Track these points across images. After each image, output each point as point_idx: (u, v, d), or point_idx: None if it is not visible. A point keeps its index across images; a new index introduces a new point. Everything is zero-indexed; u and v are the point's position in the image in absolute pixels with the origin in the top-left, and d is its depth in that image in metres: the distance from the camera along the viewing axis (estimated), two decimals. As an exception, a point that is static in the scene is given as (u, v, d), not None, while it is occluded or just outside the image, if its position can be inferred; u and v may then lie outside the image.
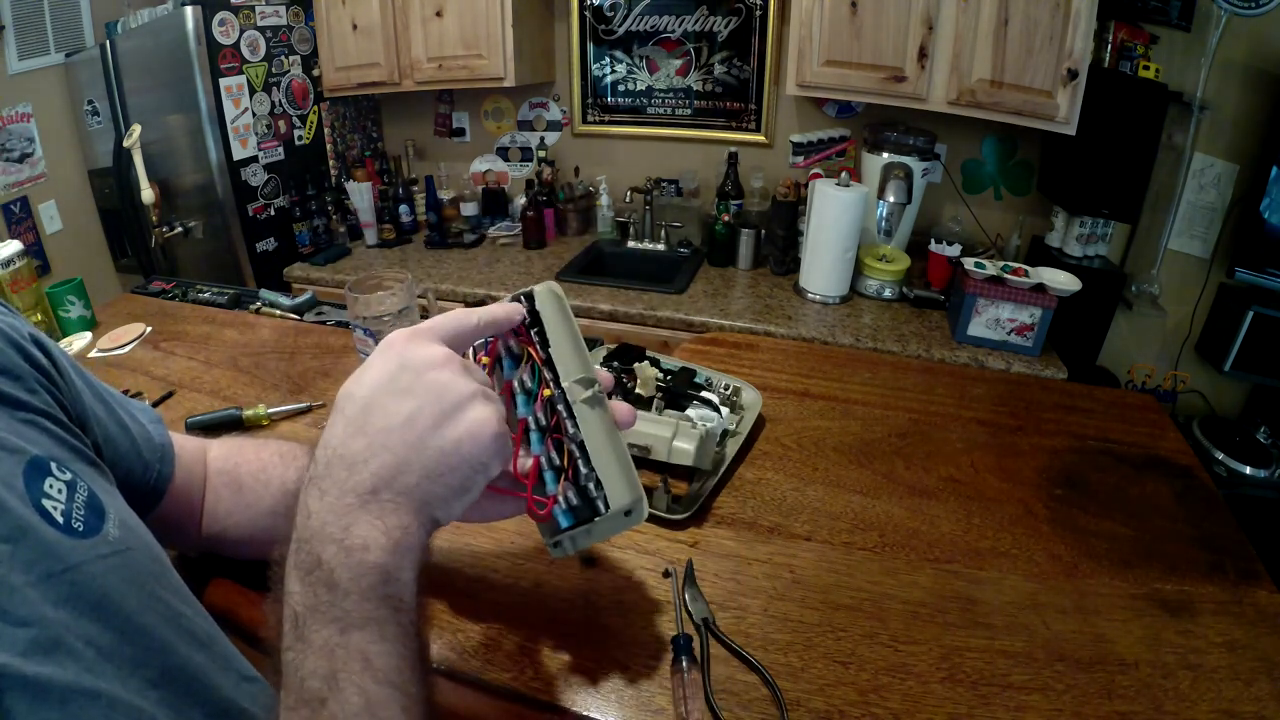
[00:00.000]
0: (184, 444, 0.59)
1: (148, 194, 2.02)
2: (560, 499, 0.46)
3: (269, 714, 0.45)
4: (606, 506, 0.45)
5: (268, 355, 1.10)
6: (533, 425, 0.47)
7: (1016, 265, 1.64)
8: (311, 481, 0.38)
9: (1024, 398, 1.00)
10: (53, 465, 0.39)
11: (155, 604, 0.40)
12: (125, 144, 1.99)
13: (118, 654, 0.36)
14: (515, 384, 0.48)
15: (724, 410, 0.87)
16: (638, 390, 0.88)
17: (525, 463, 0.47)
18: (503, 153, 2.60)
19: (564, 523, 0.46)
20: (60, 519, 0.37)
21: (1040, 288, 1.58)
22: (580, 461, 0.46)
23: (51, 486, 0.38)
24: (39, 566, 0.34)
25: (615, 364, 0.91)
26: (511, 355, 0.50)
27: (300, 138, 2.38)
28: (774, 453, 0.86)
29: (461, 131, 2.62)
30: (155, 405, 0.97)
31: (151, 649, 0.38)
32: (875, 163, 1.93)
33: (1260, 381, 1.83)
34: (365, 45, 2.24)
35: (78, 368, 0.50)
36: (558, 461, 0.46)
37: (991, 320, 1.64)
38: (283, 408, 0.93)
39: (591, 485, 0.45)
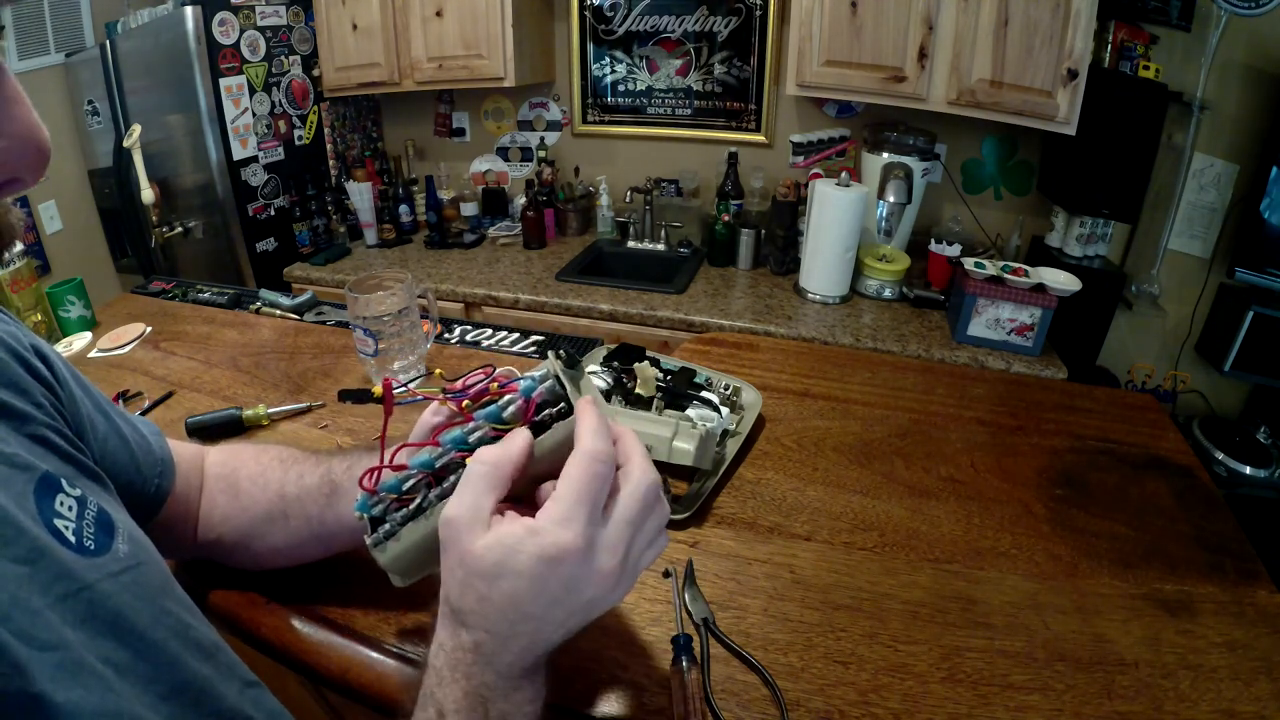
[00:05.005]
0: (181, 452, 0.59)
1: (148, 194, 2.02)
2: (378, 494, 0.47)
3: None
4: (377, 547, 0.47)
5: (268, 355, 1.10)
6: (434, 455, 0.45)
7: (1016, 265, 1.64)
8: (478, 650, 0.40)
9: (1024, 398, 1.00)
10: (63, 482, 0.39)
11: (164, 617, 0.40)
12: (125, 144, 1.99)
13: (133, 671, 0.36)
14: (465, 431, 0.45)
15: (724, 410, 0.87)
16: (638, 390, 0.87)
17: (396, 473, 0.46)
18: (503, 153, 2.60)
19: (359, 505, 0.48)
20: (72, 538, 0.37)
21: (1040, 288, 1.58)
22: (408, 510, 0.46)
23: (62, 504, 0.38)
24: (56, 588, 0.34)
25: (615, 364, 0.90)
26: (498, 420, 0.45)
27: (300, 138, 2.38)
28: (774, 453, 0.86)
29: (461, 131, 2.62)
30: (155, 405, 0.97)
31: (163, 663, 0.38)
32: (875, 163, 1.92)
33: (1260, 381, 1.83)
34: (365, 45, 2.24)
35: (78, 377, 0.50)
36: (406, 487, 0.46)
37: (991, 320, 1.64)
38: (283, 408, 0.93)
39: (395, 523, 0.47)
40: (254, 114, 2.18)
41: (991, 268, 1.63)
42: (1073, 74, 1.57)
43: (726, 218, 2.12)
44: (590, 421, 0.40)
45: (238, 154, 2.14)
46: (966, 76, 1.69)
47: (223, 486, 0.60)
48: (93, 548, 0.38)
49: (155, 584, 0.41)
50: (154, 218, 2.14)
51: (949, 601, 0.64)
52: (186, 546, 0.59)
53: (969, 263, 1.66)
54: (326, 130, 2.47)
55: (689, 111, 2.31)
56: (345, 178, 2.46)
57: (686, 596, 0.63)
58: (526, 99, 2.49)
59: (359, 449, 0.61)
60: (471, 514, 0.38)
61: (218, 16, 2.00)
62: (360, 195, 2.33)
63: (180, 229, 2.25)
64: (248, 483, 0.59)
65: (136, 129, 1.96)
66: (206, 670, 0.41)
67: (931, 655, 0.58)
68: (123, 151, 2.12)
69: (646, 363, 0.89)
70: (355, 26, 2.22)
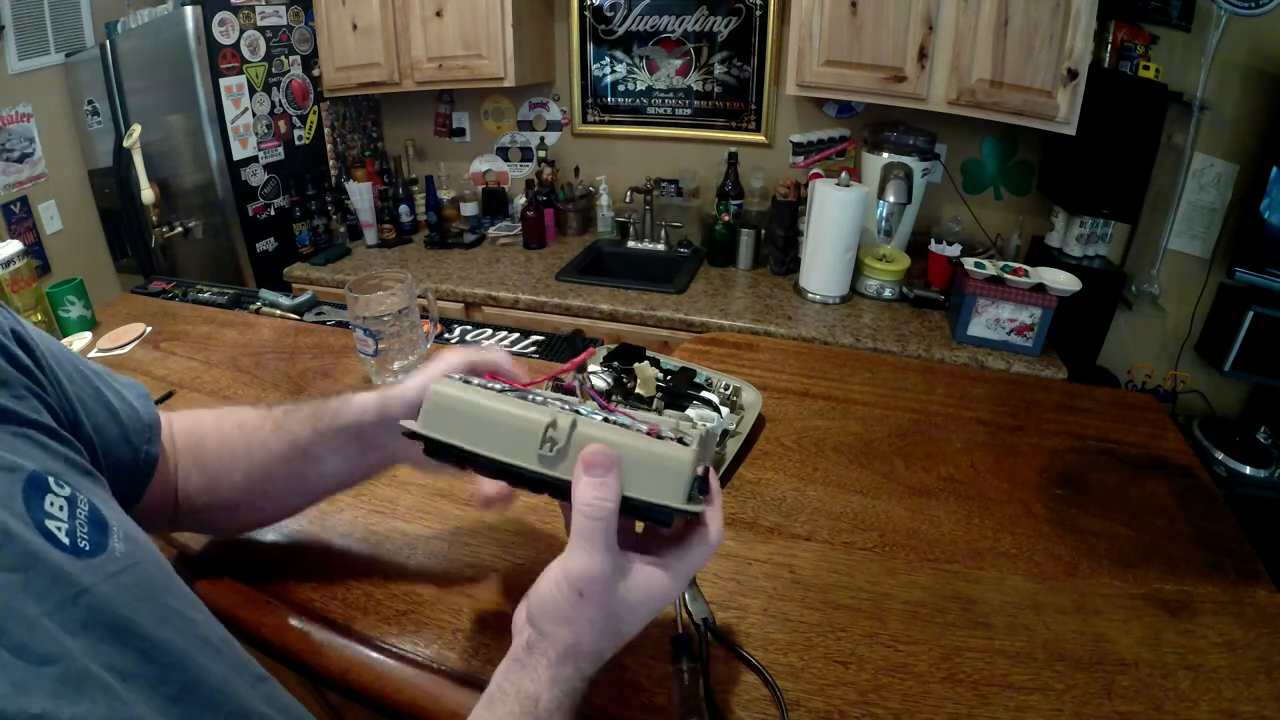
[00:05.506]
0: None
1: (148, 194, 2.02)
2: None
3: (284, 716, 0.44)
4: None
5: (268, 355, 1.11)
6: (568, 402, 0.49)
7: (1016, 265, 1.64)
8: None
9: (1024, 398, 1.00)
10: (51, 480, 0.37)
11: (169, 615, 0.39)
12: (125, 144, 1.99)
13: (139, 675, 0.34)
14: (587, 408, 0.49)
15: (724, 410, 0.87)
16: (638, 390, 0.87)
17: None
18: (503, 153, 2.60)
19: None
20: (65, 539, 0.35)
21: (1040, 288, 1.58)
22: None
23: (52, 504, 0.36)
24: (52, 595, 0.32)
25: (615, 364, 0.90)
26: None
27: (300, 138, 2.38)
28: (774, 453, 0.86)
29: (461, 131, 2.62)
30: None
31: (171, 664, 0.37)
32: (875, 163, 1.93)
33: (1260, 381, 1.83)
34: (365, 45, 2.24)
35: (58, 352, 0.47)
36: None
37: (991, 320, 1.65)
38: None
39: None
40: (254, 114, 2.18)
41: (991, 268, 1.63)
42: (1073, 74, 1.57)
43: (726, 218, 2.12)
44: (719, 518, 0.45)
45: (238, 154, 2.14)
46: (966, 76, 1.69)
47: (193, 458, 0.59)
48: (88, 548, 0.36)
49: (156, 581, 0.40)
50: (154, 218, 2.14)
51: (949, 601, 0.64)
52: (169, 519, 0.58)
53: (969, 263, 1.66)
54: (326, 130, 2.47)
55: (689, 111, 2.31)
56: (345, 178, 2.46)
57: (686, 596, 0.63)
58: (526, 99, 2.49)
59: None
60: (615, 569, 0.42)
61: (218, 16, 2.00)
62: (360, 195, 2.33)
63: (180, 229, 2.25)
64: (213, 455, 0.59)
65: (136, 129, 1.96)
66: (217, 667, 0.40)
67: (931, 655, 0.58)
68: (123, 151, 2.13)
69: (646, 363, 0.89)
70: (355, 26, 2.22)
